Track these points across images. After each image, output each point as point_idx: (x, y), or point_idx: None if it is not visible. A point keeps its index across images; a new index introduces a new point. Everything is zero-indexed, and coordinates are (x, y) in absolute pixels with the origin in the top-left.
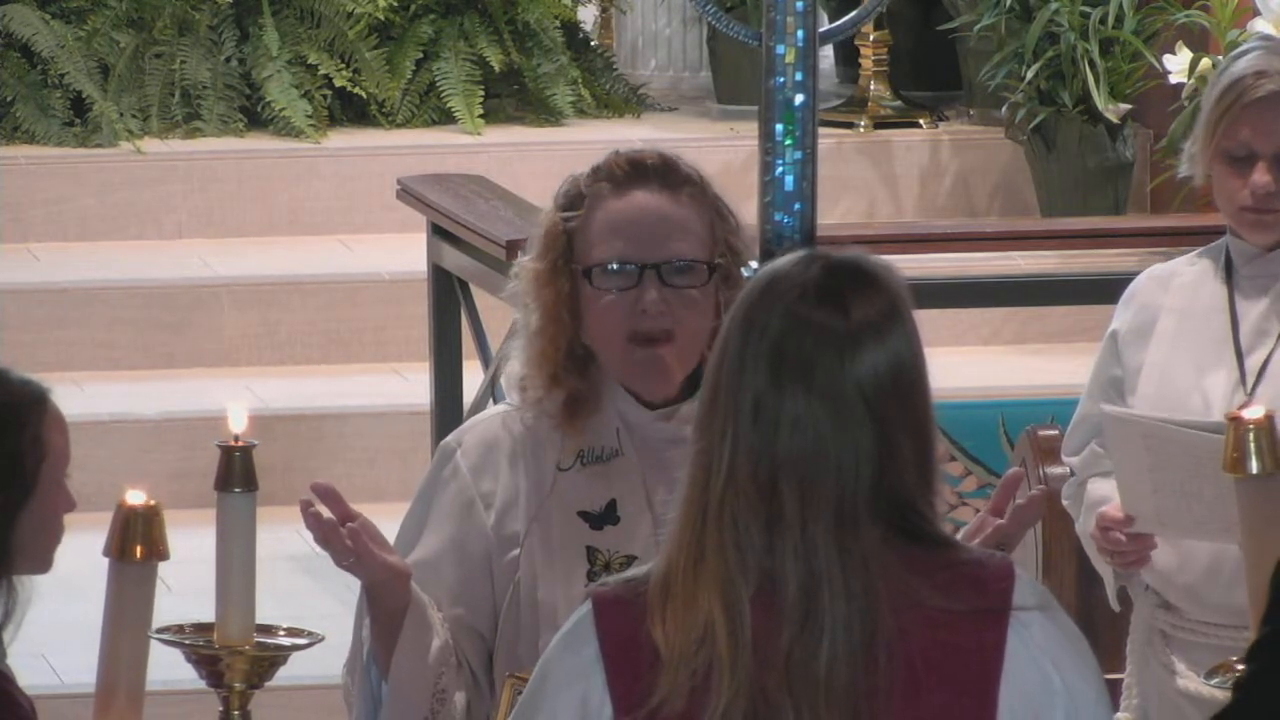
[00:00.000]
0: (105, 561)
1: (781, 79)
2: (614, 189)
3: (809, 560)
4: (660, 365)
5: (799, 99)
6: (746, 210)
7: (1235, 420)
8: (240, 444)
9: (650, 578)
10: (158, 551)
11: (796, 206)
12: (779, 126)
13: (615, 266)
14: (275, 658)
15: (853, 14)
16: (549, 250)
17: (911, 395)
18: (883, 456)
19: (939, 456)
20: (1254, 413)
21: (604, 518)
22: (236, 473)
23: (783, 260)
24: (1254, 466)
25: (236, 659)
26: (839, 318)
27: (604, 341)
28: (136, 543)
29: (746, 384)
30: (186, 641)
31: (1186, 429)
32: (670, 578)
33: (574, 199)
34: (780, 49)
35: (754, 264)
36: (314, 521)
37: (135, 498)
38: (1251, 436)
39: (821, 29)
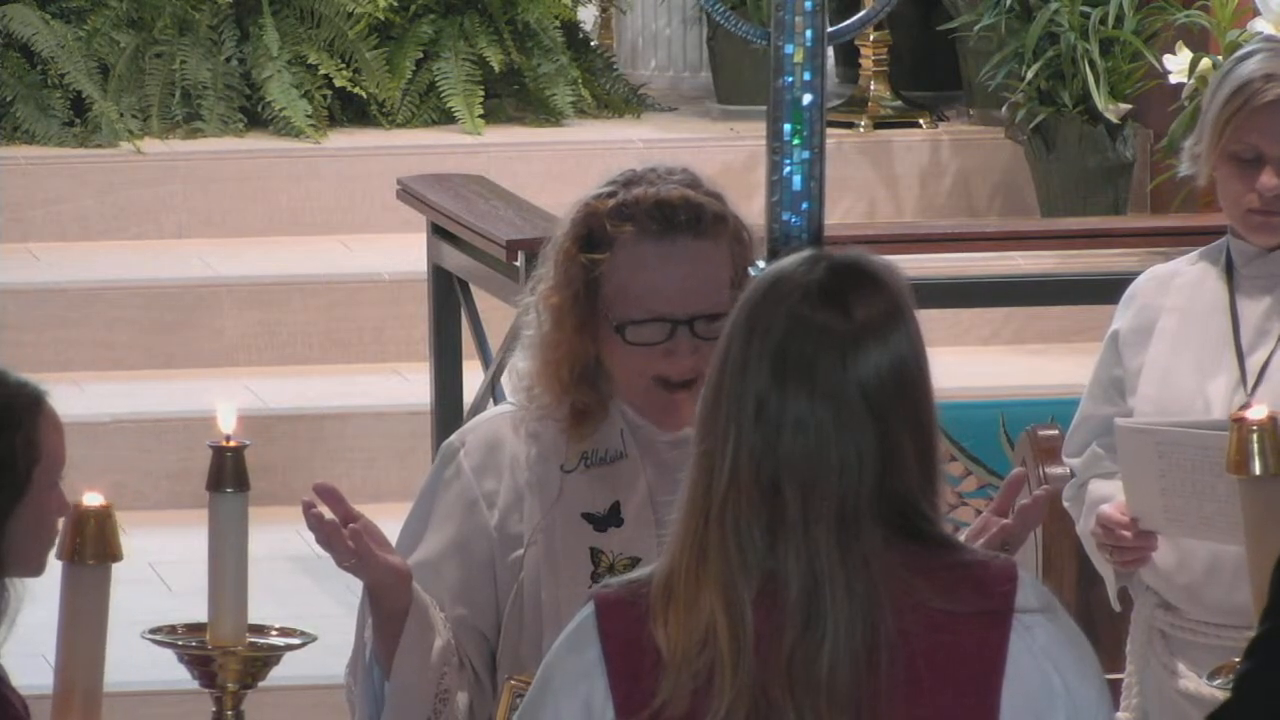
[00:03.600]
0: None
1: (790, 78)
2: (642, 238)
3: (811, 561)
4: (684, 407)
5: (807, 98)
6: (746, 210)
7: (1239, 421)
8: (232, 444)
9: (652, 579)
10: (109, 553)
11: (804, 206)
12: (787, 126)
13: (648, 324)
14: (268, 658)
15: (861, 14)
16: (569, 284)
17: (914, 395)
18: (885, 457)
19: (941, 457)
20: (1257, 413)
21: (608, 519)
22: (228, 473)
23: (786, 261)
24: (1257, 467)
25: (229, 659)
26: (841, 318)
27: (628, 384)
28: (89, 545)
29: (749, 385)
30: (179, 642)
31: (1201, 430)
32: (672, 579)
33: (597, 237)
34: (789, 48)
35: (760, 263)
36: (316, 523)
37: (91, 499)
38: (1255, 437)
39: (828, 29)
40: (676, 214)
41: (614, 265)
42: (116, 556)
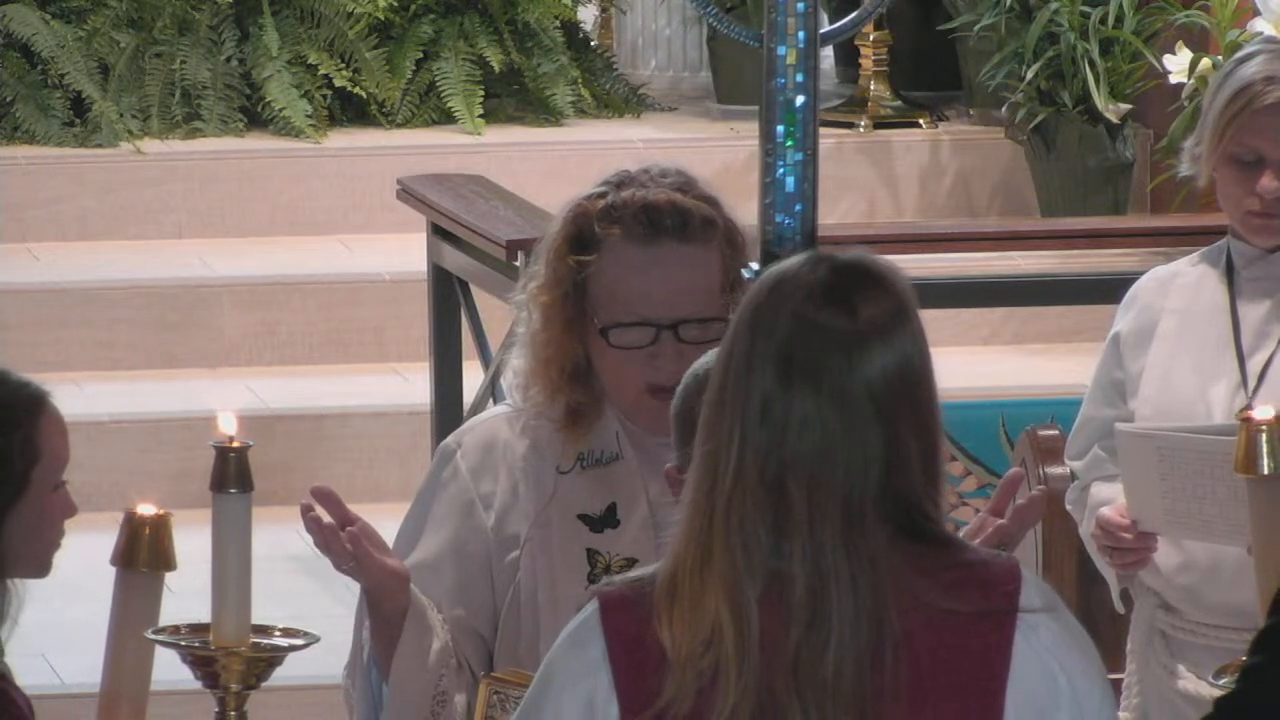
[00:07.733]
0: (105, 563)
1: (783, 80)
2: (629, 241)
3: (816, 560)
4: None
5: (800, 100)
6: (746, 210)
7: (1246, 421)
8: (236, 444)
9: (656, 578)
10: (164, 562)
11: (797, 208)
12: (780, 128)
13: (633, 327)
14: (271, 658)
15: (853, 15)
16: (558, 283)
17: (919, 395)
18: (890, 457)
19: (944, 457)
20: (1265, 413)
21: (604, 521)
22: (231, 473)
23: (789, 262)
24: (1265, 466)
25: (232, 660)
26: (846, 318)
27: (616, 389)
28: (144, 552)
29: (754, 385)
30: (182, 643)
31: (1201, 435)
32: (677, 578)
33: (586, 239)
34: (781, 50)
35: (755, 265)
36: (314, 526)
37: (145, 510)
38: (1264, 437)
39: (822, 30)
40: (662, 218)
41: (600, 267)
42: (170, 565)
